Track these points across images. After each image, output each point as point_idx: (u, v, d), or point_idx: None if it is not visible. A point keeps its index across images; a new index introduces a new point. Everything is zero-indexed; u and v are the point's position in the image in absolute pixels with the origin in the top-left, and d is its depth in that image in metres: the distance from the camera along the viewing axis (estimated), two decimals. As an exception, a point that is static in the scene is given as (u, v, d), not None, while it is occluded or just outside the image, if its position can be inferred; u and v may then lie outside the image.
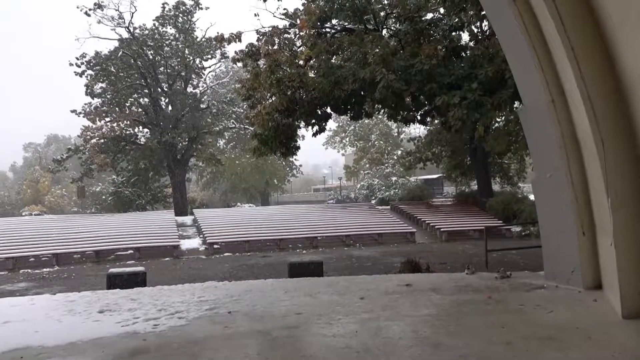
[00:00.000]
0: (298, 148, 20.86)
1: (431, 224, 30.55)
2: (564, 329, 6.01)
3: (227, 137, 60.69)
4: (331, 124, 71.18)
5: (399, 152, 57.02)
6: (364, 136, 68.80)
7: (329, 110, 20.64)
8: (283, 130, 19.60)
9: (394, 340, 5.88)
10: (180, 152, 43.57)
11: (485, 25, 20.02)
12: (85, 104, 42.29)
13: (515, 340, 5.70)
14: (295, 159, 63.51)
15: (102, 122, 41.57)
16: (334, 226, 29.72)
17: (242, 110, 41.51)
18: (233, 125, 47.31)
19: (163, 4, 43.00)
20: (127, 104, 43.12)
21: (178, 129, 42.29)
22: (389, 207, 36.27)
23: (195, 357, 5.63)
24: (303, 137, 45.56)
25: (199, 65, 44.64)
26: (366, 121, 63.12)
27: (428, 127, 34.91)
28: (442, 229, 29.33)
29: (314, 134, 21.02)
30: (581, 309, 6.86)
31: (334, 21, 22.86)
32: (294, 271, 12.36)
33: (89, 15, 39.73)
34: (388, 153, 63.30)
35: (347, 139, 72.83)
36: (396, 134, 68.52)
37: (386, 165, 57.17)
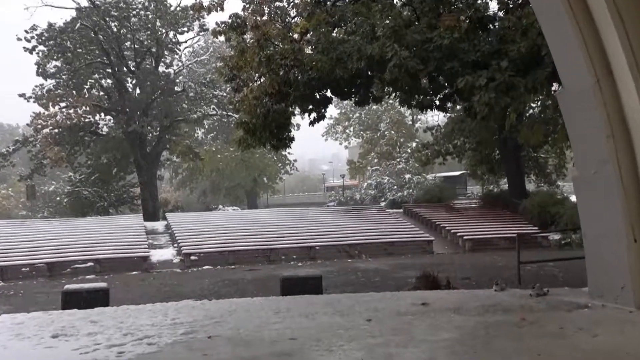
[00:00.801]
0: (292, 139, 20.99)
1: (452, 231, 31.01)
2: (611, 356, 6.03)
3: (206, 127, 60.40)
4: (332, 111, 72.19)
5: (414, 145, 57.21)
6: (372, 125, 69.31)
7: (329, 93, 20.74)
8: (274, 118, 19.64)
9: (407, 371, 5.86)
10: (150, 144, 44.13)
11: (517, -9, 19.81)
12: (37, 87, 42.82)
13: (554, 369, 5.72)
14: (288, 153, 64.04)
15: (57, 108, 41.99)
16: (336, 234, 30.43)
17: (224, 94, 41.58)
18: (214, 112, 47.48)
19: (129, -36, 43.36)
20: (87, 87, 43.68)
21: (148, 116, 42.47)
22: (401, 210, 36.83)
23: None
24: (298, 126, 47.66)
25: (173, 40, 45.13)
26: (374, 107, 63.64)
27: (448, 114, 35.33)
28: (465, 237, 29.77)
29: (312, 123, 21.17)
30: (632, 332, 6.88)
31: (335, -14, 22.71)
32: (287, 288, 12.53)
33: (40, -22, 39.98)
34: (400, 145, 63.74)
35: (352, 129, 73.65)
36: (410, 123, 68.53)
37: (398, 160, 57.68)
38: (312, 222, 33.12)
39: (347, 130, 74.71)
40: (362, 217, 34.37)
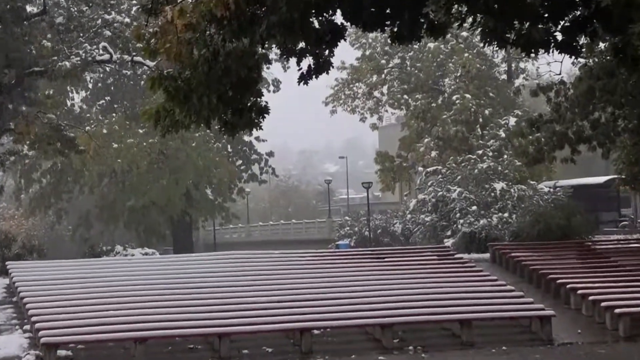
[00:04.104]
0: (265, 111, 17.21)
1: (592, 298, 25.20)
2: None
3: (90, 86, 52.68)
4: (344, 53, 44.17)
5: (511, 121, 46.00)
6: (426, 83, 49.72)
7: (339, 18, 16.94)
8: (228, 68, 16.03)
9: None
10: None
11: None
12: None
13: None
14: (258, 139, 52.97)
15: None
16: (351, 303, 25.01)
17: (127, 20, 36.58)
18: (105, 56, 38.37)
19: None
20: None
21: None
22: (487, 255, 31.06)
23: None
24: (276, 84, 46.19)
25: None
26: (430, 46, 48.39)
27: (581, 61, 28.99)
28: (619, 310, 23.94)
29: (304, 78, 17.12)
30: None
31: None
32: None
33: None
34: (484, 124, 47.59)
35: (385, 90, 52.71)
36: (503, 78, 52.32)
37: (480, 153, 44.20)
38: (303, 280, 26.94)
39: (376, 94, 54.23)
40: (406, 269, 28.13)
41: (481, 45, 38.66)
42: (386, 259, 29.58)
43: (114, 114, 51.19)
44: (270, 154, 58.27)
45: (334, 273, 27.48)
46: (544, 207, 36.52)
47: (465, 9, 16.77)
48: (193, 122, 17.47)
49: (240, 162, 56.37)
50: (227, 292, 25.32)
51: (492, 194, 40.36)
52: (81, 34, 37.79)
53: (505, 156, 43.45)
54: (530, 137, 32.97)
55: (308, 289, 25.55)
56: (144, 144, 48.27)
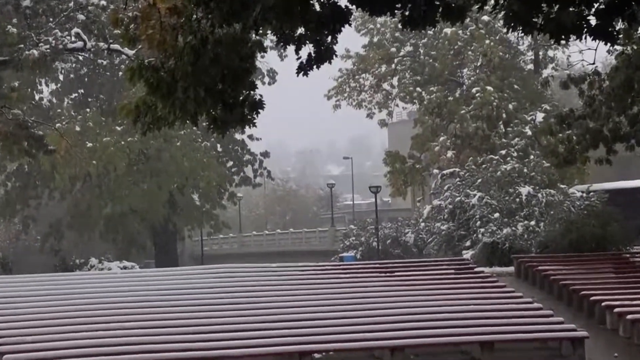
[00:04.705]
0: (259, 106, 16.13)
1: (629, 316, 24.98)
2: None
3: (62, 77, 52.05)
4: (349, 40, 42.49)
5: (539, 117, 44.48)
6: (441, 75, 48.38)
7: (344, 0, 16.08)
8: (217, 58, 15.21)
9: None
10: None
11: None
12: None
13: None
14: (250, 138, 53.23)
15: None
16: (358, 323, 24.47)
17: (103, 3, 36.65)
18: (78, 44, 37.82)
19: None
20: None
21: None
22: (511, 269, 30.93)
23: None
24: (272, 75, 48.40)
25: None
26: (447, 31, 46.99)
27: (618, 48, 26.98)
28: None
29: (303, 68, 16.12)
30: None
31: None
32: None
33: None
34: (508, 120, 46.72)
35: (395, 82, 51.05)
36: (529, 68, 50.55)
37: (503, 153, 43.63)
38: (302, 298, 26.58)
39: (385, 86, 52.72)
40: (419, 284, 27.85)
41: (504, 30, 38.04)
42: (397, 274, 28.96)
43: (88, 110, 49.31)
44: (265, 154, 56.62)
45: (338, 289, 26.69)
46: (575, 214, 35.73)
47: (486, -13, 16.39)
48: (178, 119, 16.16)
49: (231, 163, 54.96)
50: (216, 310, 24.22)
51: (517, 200, 39.55)
52: (51, 19, 37.17)
53: (532, 157, 42.85)
54: (560, 135, 31.16)
55: (308, 307, 24.63)
56: (122, 143, 46.83)
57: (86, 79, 52.12)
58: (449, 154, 47.14)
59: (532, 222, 36.55)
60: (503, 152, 44.24)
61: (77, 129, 47.18)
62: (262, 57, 41.77)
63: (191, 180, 49.79)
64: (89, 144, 46.60)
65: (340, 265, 36.48)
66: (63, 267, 40.87)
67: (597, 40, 16.94)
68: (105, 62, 46.70)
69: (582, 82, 30.65)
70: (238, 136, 53.62)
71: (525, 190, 39.73)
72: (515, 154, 43.73)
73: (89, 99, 52.54)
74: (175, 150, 47.70)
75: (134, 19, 15.16)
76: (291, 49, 16.15)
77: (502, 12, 16.19)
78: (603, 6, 16.14)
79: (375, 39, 52.57)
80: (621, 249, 31.57)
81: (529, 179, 40.98)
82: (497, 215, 38.23)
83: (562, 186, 40.54)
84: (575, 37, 16.39)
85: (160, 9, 14.50)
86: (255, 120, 16.44)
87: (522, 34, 34.69)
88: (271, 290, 26.88)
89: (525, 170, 41.50)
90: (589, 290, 26.47)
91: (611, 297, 25.40)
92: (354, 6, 15.94)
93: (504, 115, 47.35)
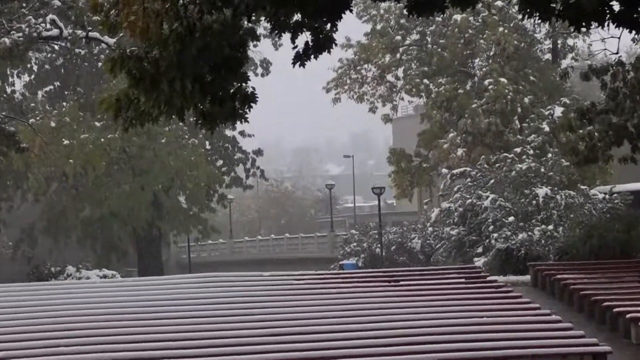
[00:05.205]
0: (251, 99, 15.99)
1: None
2: None
3: (35, 68, 50.29)
4: (349, 28, 41.53)
5: (557, 111, 43.08)
6: (448, 66, 47.23)
7: None
8: (205, 47, 15.25)
9: None
10: None
11: None
12: None
13: None
14: (242, 134, 51.79)
15: None
16: (357, 336, 23.14)
17: None
18: (54, 32, 36.48)
19: None
20: None
21: None
22: (527, 277, 30.25)
23: None
24: (265, 65, 48.90)
25: None
26: (457, 18, 45.29)
27: None
28: None
29: (299, 58, 16.35)
30: None
31: None
32: None
33: None
34: (523, 114, 45.07)
35: (400, 73, 49.98)
36: (547, 57, 48.96)
37: (518, 151, 42.56)
38: (298, 309, 25.56)
39: (390, 77, 51.15)
40: (427, 294, 26.93)
41: (520, 17, 38.89)
42: (402, 283, 27.75)
43: (64, 104, 47.59)
44: (259, 152, 54.83)
45: (338, 300, 25.57)
46: (597, 217, 34.53)
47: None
48: (163, 113, 15.85)
49: (221, 162, 53.18)
50: (205, 323, 23.15)
51: (534, 202, 38.42)
52: (24, 4, 35.90)
53: (550, 155, 41.70)
54: (581, 131, 30.36)
55: (305, 320, 23.44)
56: (102, 140, 45.05)
57: (62, 70, 50.47)
58: (459, 151, 46.14)
59: (550, 227, 35.76)
60: (518, 149, 43.25)
61: (53, 124, 45.76)
62: (255, 46, 41.01)
63: (177, 181, 48.26)
64: (66, 141, 45.04)
65: (340, 273, 35.85)
66: (37, 275, 40.90)
67: (621, 28, 17.10)
68: (83, 52, 45.66)
69: (604, 74, 29.78)
70: (228, 132, 52.30)
71: (542, 191, 38.90)
72: (531, 152, 42.73)
73: (66, 92, 50.79)
74: (160, 148, 46.20)
75: (114, 4, 14.81)
76: (287, 37, 15.95)
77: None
78: (631, -10, 16.04)
79: (378, 26, 50.87)
80: (650, 257, 31.95)
81: (547, 180, 40.21)
82: (511, 219, 37.51)
83: (582, 187, 39.65)
84: (597, 24, 16.41)
85: (144, -5, 14.44)
86: (247, 115, 15.84)
87: (539, 21, 34.33)
88: (265, 301, 25.78)
89: (542, 169, 40.69)
90: (613, 300, 25.49)
91: (636, 309, 24.36)
92: (353, -11, 14.74)
93: (519, 110, 46.24)
